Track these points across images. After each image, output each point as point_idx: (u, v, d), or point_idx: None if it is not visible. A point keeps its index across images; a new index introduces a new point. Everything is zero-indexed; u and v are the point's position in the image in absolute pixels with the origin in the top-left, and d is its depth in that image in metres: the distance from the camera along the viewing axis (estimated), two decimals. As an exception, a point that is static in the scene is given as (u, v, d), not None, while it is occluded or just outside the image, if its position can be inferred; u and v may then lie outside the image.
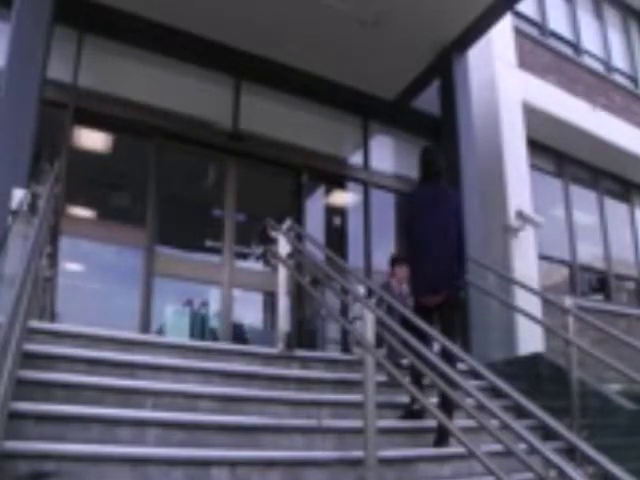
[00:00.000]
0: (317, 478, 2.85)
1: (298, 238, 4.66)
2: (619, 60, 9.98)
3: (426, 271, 3.82)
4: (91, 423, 2.63)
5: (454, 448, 3.25)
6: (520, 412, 3.23)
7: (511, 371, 4.26)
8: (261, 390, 3.41)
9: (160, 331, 6.17)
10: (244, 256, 7.33)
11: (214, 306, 6.50)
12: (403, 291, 4.90)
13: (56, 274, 4.88)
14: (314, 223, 6.95)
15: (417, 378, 3.46)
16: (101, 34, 5.77)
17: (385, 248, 6.94)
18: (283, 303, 4.30)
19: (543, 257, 7.69)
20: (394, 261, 5.11)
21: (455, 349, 2.94)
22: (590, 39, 9.56)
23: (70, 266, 5.51)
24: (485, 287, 4.97)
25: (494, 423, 2.57)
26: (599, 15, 10.00)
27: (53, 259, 4.63)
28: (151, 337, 4.79)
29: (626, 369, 3.79)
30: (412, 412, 3.62)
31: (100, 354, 3.24)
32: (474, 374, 3.25)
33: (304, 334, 6.27)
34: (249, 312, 7.01)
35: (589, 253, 8.71)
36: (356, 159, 7.35)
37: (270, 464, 2.78)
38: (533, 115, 7.60)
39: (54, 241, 4.54)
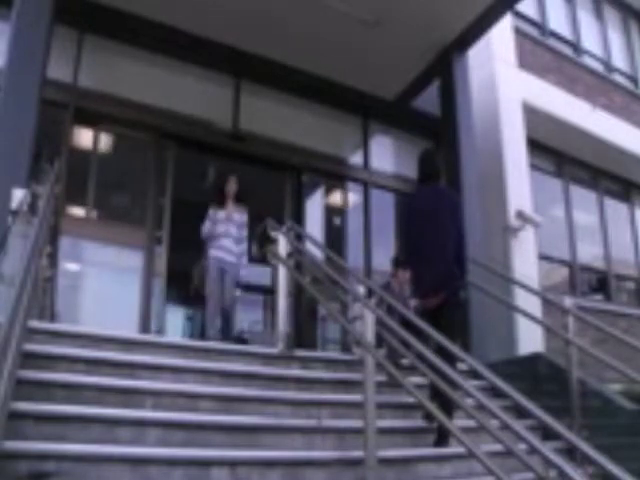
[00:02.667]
0: (317, 478, 2.86)
1: (298, 238, 4.67)
2: (619, 60, 9.98)
3: (426, 272, 3.81)
4: (91, 423, 2.63)
5: (454, 448, 3.25)
6: (520, 412, 3.23)
7: (511, 371, 4.25)
8: (261, 390, 3.41)
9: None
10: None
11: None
12: (404, 292, 4.90)
13: (56, 274, 4.88)
14: (314, 223, 6.95)
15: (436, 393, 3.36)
16: (101, 34, 5.78)
17: (385, 248, 6.95)
18: (283, 303, 4.30)
19: (543, 257, 7.70)
20: (399, 264, 5.09)
21: (455, 349, 2.94)
22: (590, 39, 9.56)
23: (69, 266, 5.51)
24: (485, 287, 4.96)
25: (494, 423, 2.57)
26: (599, 15, 10.00)
27: (53, 259, 4.63)
28: (151, 337, 4.79)
29: (626, 369, 3.79)
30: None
31: (100, 354, 3.24)
32: (474, 374, 3.24)
33: (304, 334, 6.27)
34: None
35: (589, 253, 8.71)
36: (356, 159, 7.35)
37: (270, 464, 2.78)
38: (533, 115, 7.61)
39: (54, 241, 4.53)
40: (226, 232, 5.25)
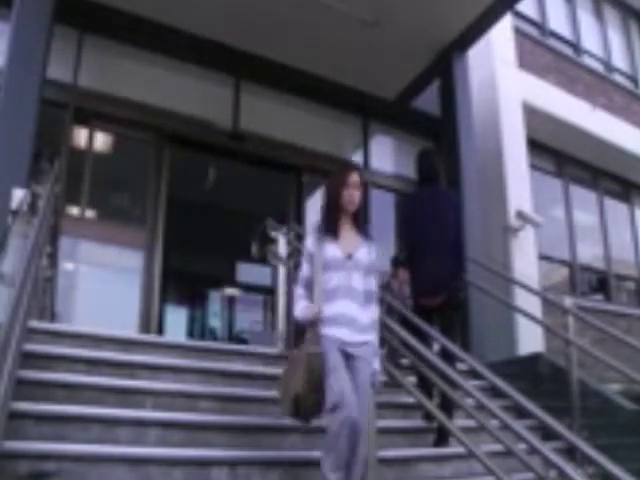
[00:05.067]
0: (317, 478, 2.85)
1: (298, 238, 4.67)
2: (619, 60, 9.97)
3: (426, 272, 3.82)
4: (91, 423, 2.64)
5: (454, 448, 3.25)
6: (520, 412, 3.23)
7: (511, 371, 4.25)
8: (261, 390, 3.41)
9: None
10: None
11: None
12: (404, 292, 4.89)
13: (56, 274, 4.88)
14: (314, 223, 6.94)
15: (425, 386, 3.41)
16: (101, 34, 5.77)
17: (385, 248, 6.94)
18: (283, 303, 4.30)
19: (543, 257, 7.69)
20: (399, 263, 5.08)
21: (455, 349, 2.94)
22: (590, 39, 9.55)
23: (69, 266, 5.51)
24: (485, 287, 4.97)
25: (494, 423, 2.58)
26: (599, 15, 10.00)
27: (53, 259, 4.63)
28: (151, 337, 4.79)
29: (626, 369, 3.80)
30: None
31: (100, 354, 3.24)
32: (474, 374, 3.25)
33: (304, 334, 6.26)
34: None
35: (589, 253, 8.71)
36: (356, 159, 7.35)
37: (270, 464, 2.79)
38: (533, 115, 7.60)
39: (54, 241, 4.53)
40: (347, 287, 2.68)
